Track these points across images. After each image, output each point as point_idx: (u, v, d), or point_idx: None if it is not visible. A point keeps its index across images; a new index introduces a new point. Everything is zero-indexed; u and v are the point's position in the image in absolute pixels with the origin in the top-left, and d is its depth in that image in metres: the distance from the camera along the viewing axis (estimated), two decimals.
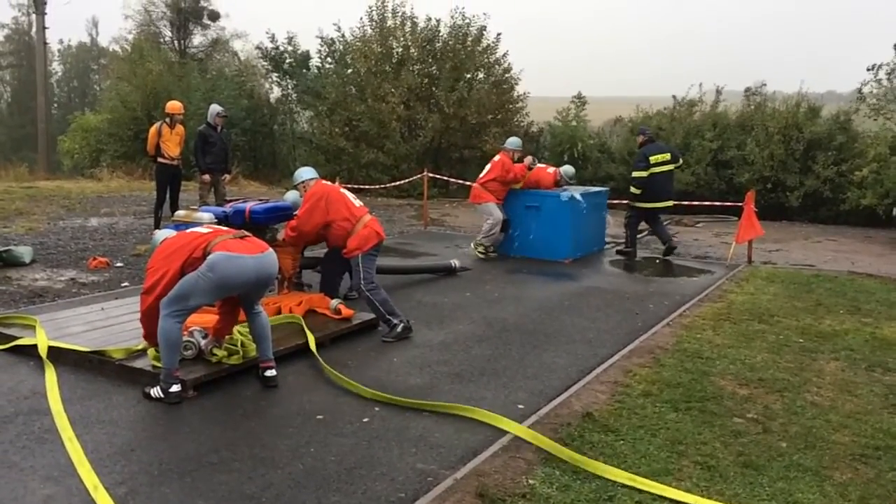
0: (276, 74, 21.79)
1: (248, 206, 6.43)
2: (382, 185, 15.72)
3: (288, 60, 20.96)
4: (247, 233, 5.13)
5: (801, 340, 6.33)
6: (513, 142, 10.26)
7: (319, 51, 20.87)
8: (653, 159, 10.20)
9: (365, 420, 4.50)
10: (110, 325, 5.93)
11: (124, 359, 5.12)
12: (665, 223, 13.51)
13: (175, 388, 4.64)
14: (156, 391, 4.66)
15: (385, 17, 18.78)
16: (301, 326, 5.86)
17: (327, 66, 20.99)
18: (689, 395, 5.00)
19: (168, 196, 10.75)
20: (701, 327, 6.69)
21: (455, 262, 8.98)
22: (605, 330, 6.60)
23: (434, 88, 18.17)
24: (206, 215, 6.08)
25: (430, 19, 18.53)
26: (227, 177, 11.27)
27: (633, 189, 10.27)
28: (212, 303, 5.00)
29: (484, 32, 18.36)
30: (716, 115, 16.65)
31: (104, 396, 4.74)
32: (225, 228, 5.21)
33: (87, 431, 4.21)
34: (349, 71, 19.37)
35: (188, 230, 5.05)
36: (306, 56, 20.93)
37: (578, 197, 9.80)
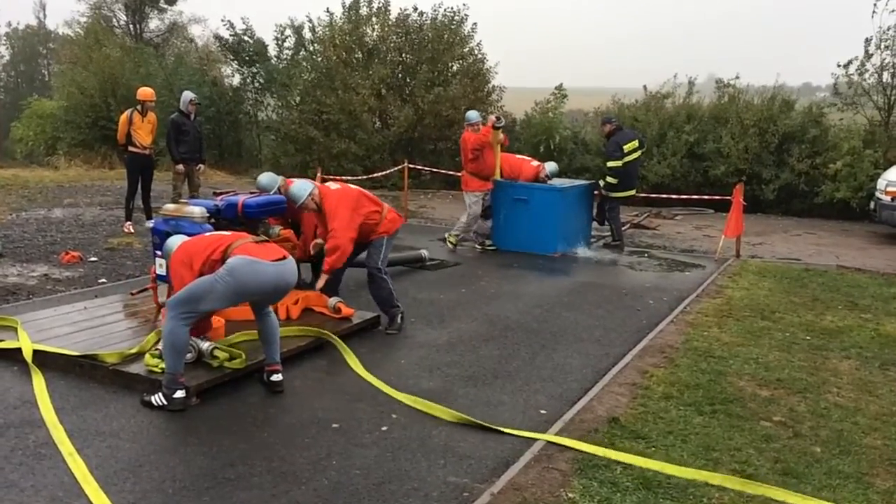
0: (235, 63, 21.19)
1: (241, 199, 6.11)
2: (366, 176, 15.36)
3: (247, 49, 20.40)
4: (266, 238, 4.86)
5: (808, 338, 6.26)
6: (470, 116, 9.96)
7: (276, 38, 20.36)
8: (626, 147, 10.10)
9: (384, 429, 4.26)
10: (96, 325, 5.57)
11: (118, 363, 4.79)
12: (644, 215, 13.56)
13: (179, 393, 4.35)
14: (157, 398, 4.36)
15: (359, 4, 18.37)
16: (318, 334, 5.58)
17: (285, 53, 20.50)
18: (710, 397, 4.87)
19: (140, 187, 10.28)
20: (706, 324, 6.58)
21: (424, 253, 8.82)
22: (611, 328, 6.44)
23: (408, 79, 17.85)
24: (197, 209, 5.80)
25: (415, 9, 18.18)
26: (202, 167, 10.86)
27: (609, 179, 10.13)
28: (224, 308, 4.71)
29: (462, 23, 18.08)
30: (690, 107, 16.65)
31: (100, 405, 4.41)
32: (243, 233, 4.91)
33: (88, 445, 3.90)
34: (319, 59, 18.91)
35: (207, 233, 4.73)
36: (262, 45, 20.41)
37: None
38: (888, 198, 11.53)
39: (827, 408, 4.76)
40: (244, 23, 20.64)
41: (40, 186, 14.79)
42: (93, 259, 8.42)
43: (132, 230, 10.08)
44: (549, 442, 4.10)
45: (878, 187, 12.17)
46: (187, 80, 19.55)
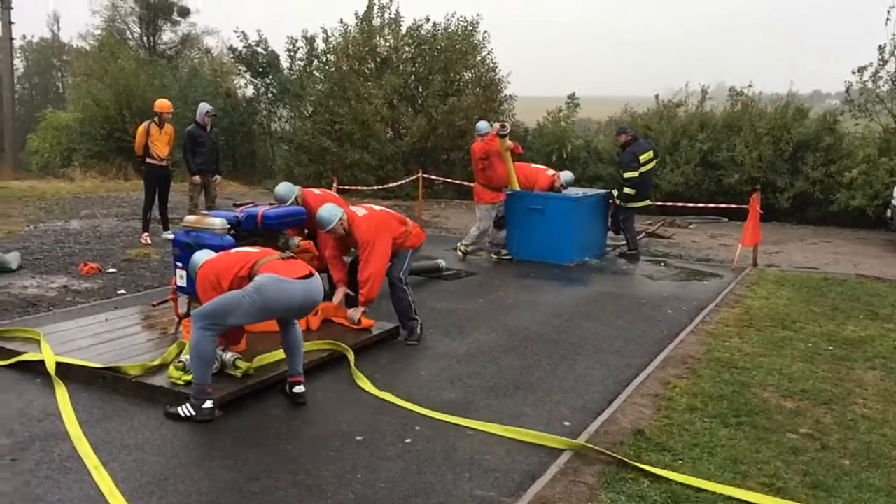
0: (248, 74, 21.30)
1: (260, 210, 6.12)
2: (380, 186, 15.39)
3: (260, 61, 20.50)
4: (292, 254, 4.88)
5: (830, 348, 6.20)
6: (480, 126, 9.89)
7: (289, 50, 20.45)
8: (642, 158, 10.10)
9: (408, 441, 4.24)
10: (118, 337, 5.58)
11: (141, 375, 4.80)
12: (658, 224, 13.51)
13: (208, 404, 4.36)
14: (185, 409, 4.36)
15: (371, 15, 18.45)
16: (334, 346, 5.57)
17: (297, 64, 20.59)
18: (735, 408, 4.83)
19: (157, 198, 10.33)
20: (726, 334, 6.54)
21: (441, 262, 8.82)
22: (631, 339, 6.41)
23: (420, 89, 17.91)
24: (217, 221, 5.81)
25: (427, 20, 18.26)
26: (218, 178, 10.89)
27: (627, 190, 10.12)
28: (250, 324, 4.72)
29: (474, 32, 18.13)
30: (703, 116, 16.61)
31: (124, 418, 4.41)
32: (270, 249, 4.92)
33: (113, 458, 3.90)
34: (331, 70, 19.00)
35: (233, 250, 4.74)
36: (275, 56, 20.51)
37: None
38: None
39: (854, 420, 4.71)
40: (259, 35, 20.78)
41: (57, 198, 14.88)
42: (111, 270, 8.46)
43: (149, 241, 10.12)
44: (576, 454, 4.06)
45: (894, 195, 12.10)
46: (202, 91, 19.65)
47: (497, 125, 9.47)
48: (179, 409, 4.37)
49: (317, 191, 7.38)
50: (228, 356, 4.79)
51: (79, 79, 26.94)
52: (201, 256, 4.86)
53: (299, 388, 4.75)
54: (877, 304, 7.81)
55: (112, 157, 20.10)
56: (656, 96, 17.25)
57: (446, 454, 4.08)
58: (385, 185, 15.41)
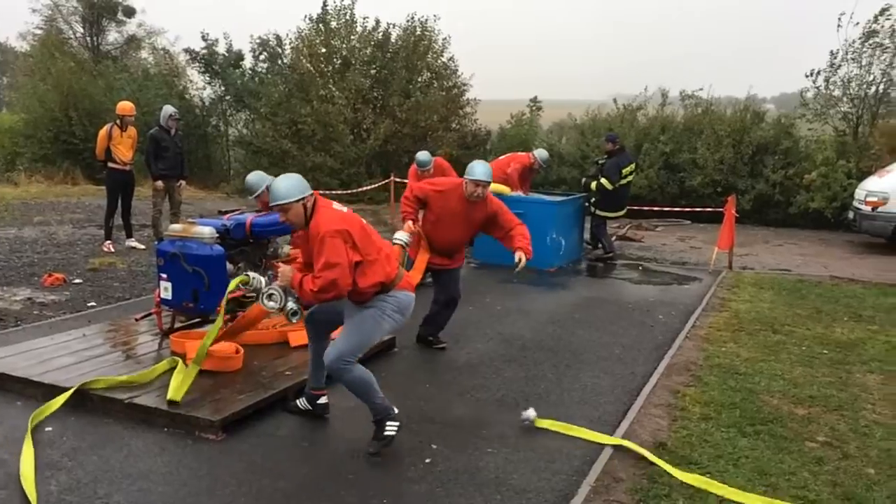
0: (206, 75, 20.71)
1: (249, 218, 5.84)
2: (345, 191, 15.10)
3: (220, 61, 19.94)
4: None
5: (825, 352, 6.23)
6: (421, 158, 9.64)
7: (253, 50, 20.01)
8: (624, 171, 10.11)
9: (427, 461, 4.05)
10: (99, 354, 5.25)
11: (135, 396, 4.50)
12: (626, 227, 13.56)
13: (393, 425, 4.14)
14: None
15: (327, 17, 18.13)
16: None
17: (261, 65, 20.14)
18: (749, 417, 4.77)
19: (120, 204, 9.89)
20: (721, 339, 6.52)
21: None
22: (628, 345, 6.33)
23: (383, 91, 17.68)
24: (206, 229, 5.54)
25: (378, 22, 18.02)
26: (183, 183, 10.48)
27: (594, 187, 10.10)
28: None
29: (433, 34, 17.97)
30: (664, 119, 16.77)
31: (119, 443, 4.12)
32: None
33: (117, 489, 3.61)
34: (292, 71, 18.61)
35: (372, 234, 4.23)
36: (239, 56, 19.99)
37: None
38: (868, 208, 11.70)
39: (868, 426, 4.70)
40: (225, 36, 20.21)
41: (3, 204, 14.17)
42: (77, 281, 8.02)
43: (112, 249, 9.68)
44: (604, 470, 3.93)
45: (856, 197, 12.37)
46: (153, 93, 19.03)
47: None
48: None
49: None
50: (293, 304, 4.28)
51: (21, 80, 25.82)
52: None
53: (324, 400, 4.58)
54: (856, 305, 7.91)
55: (59, 160, 19.30)
56: (614, 100, 17.35)
57: (471, 474, 3.91)
58: (350, 191, 15.15)
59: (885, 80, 15.00)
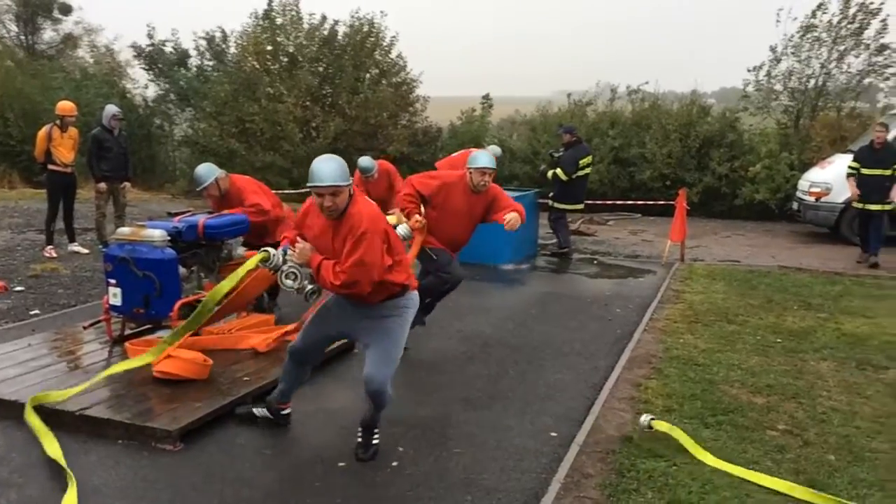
0: (150, 73, 20.14)
1: (201, 220, 5.67)
2: (295, 190, 14.85)
3: (166, 58, 19.41)
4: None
5: (779, 341, 6.34)
6: (363, 164, 8.93)
7: (198, 48, 19.55)
8: (582, 162, 10.16)
9: (395, 464, 3.98)
10: (46, 364, 5.03)
11: (86, 408, 4.31)
12: (579, 221, 13.66)
13: None
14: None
15: (273, 14, 17.83)
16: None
17: (206, 63, 19.69)
18: (710, 408, 4.82)
19: (61, 207, 9.54)
20: (678, 331, 6.59)
21: None
22: (588, 340, 6.35)
23: (331, 88, 17.47)
24: (157, 232, 5.36)
25: (325, 18, 17.77)
26: (128, 185, 10.15)
27: (549, 178, 10.16)
28: None
29: (380, 31, 17.81)
30: (613, 114, 16.95)
31: (72, 458, 3.91)
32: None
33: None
34: (234, 69, 18.24)
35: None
36: (185, 54, 19.49)
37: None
38: (812, 198, 12.01)
39: (825, 413, 4.79)
40: (172, 33, 19.66)
41: None
42: (19, 289, 7.69)
43: (55, 254, 9.33)
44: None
45: (800, 188, 12.68)
46: (94, 93, 18.44)
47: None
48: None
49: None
50: (312, 285, 4.06)
51: None
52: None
53: (288, 411, 4.44)
54: (805, 294, 8.09)
55: None
56: (569, 95, 17.47)
57: (439, 476, 3.85)
58: (305, 189, 14.90)
59: (823, 73, 15.42)
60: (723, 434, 4.44)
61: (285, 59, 17.79)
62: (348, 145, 17.27)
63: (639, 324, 6.81)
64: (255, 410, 4.46)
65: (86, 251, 9.71)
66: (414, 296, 4.06)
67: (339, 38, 17.86)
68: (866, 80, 15.50)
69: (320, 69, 17.83)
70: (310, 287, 4.00)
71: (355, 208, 3.76)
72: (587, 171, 10.41)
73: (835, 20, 14.95)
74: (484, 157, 5.56)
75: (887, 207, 9.78)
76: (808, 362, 5.79)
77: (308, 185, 3.76)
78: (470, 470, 3.91)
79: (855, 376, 5.47)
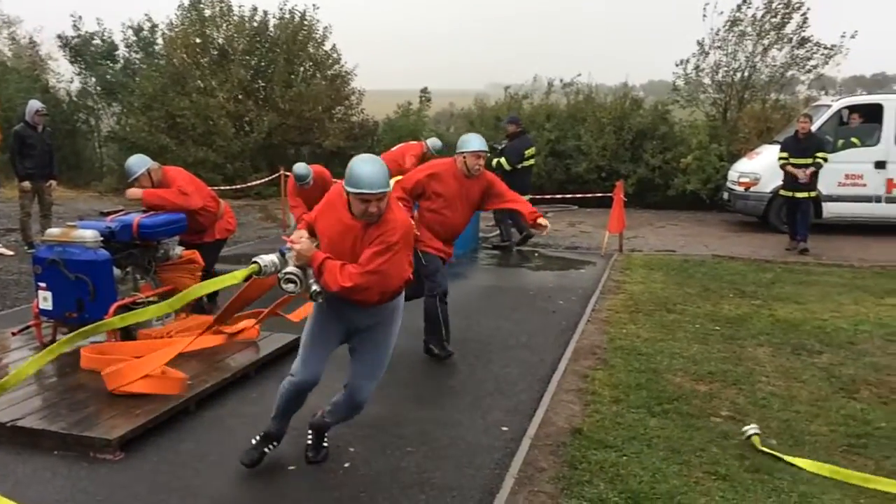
0: (76, 66, 19.34)
1: (136, 219, 5.46)
2: (230, 186, 14.51)
3: (93, 50, 18.66)
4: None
5: (717, 328, 6.50)
6: (298, 171, 8.42)
7: (125, 39, 18.88)
8: (527, 153, 10.22)
9: (346, 465, 3.92)
10: None
11: (17, 419, 4.11)
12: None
13: None
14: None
15: (201, 6, 17.35)
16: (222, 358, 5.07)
17: (134, 56, 19.04)
18: (655, 396, 4.90)
19: None
20: (620, 321, 6.69)
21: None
22: (534, 332, 6.38)
23: (264, 82, 17.14)
24: (88, 233, 5.16)
25: (255, 10, 17.40)
26: (53, 183, 9.75)
27: (493, 168, 10.18)
28: None
29: (312, 23, 17.53)
30: (549, 107, 17.11)
31: (4, 471, 3.75)
32: None
33: None
34: (163, 63, 17.71)
35: None
36: (113, 46, 18.79)
37: None
38: (741, 188, 12.36)
39: (765, 398, 4.92)
40: (98, 23, 18.88)
41: None
42: None
43: None
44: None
45: (730, 178, 13.03)
46: (14, 88, 17.64)
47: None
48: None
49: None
50: (316, 287, 3.62)
51: None
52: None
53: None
54: (739, 282, 8.32)
55: None
56: (506, 88, 17.55)
57: (392, 476, 3.80)
58: (240, 185, 14.62)
59: (749, 66, 15.90)
60: (669, 423, 4.52)
61: (215, 53, 17.38)
62: (283, 140, 17.03)
63: (582, 315, 6.88)
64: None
65: (10, 253, 9.31)
66: (402, 298, 3.91)
67: (271, 30, 17.55)
68: (789, 73, 16.08)
69: (252, 62, 17.49)
70: (315, 288, 3.58)
71: (392, 215, 3.53)
72: (531, 162, 10.46)
73: (759, 14, 15.43)
74: (476, 141, 5.48)
75: (813, 195, 10.16)
76: (745, 349, 5.95)
77: (353, 190, 3.39)
78: (423, 468, 3.87)
79: (791, 361, 5.65)
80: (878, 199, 11.42)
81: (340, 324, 3.73)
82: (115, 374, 4.37)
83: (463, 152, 5.45)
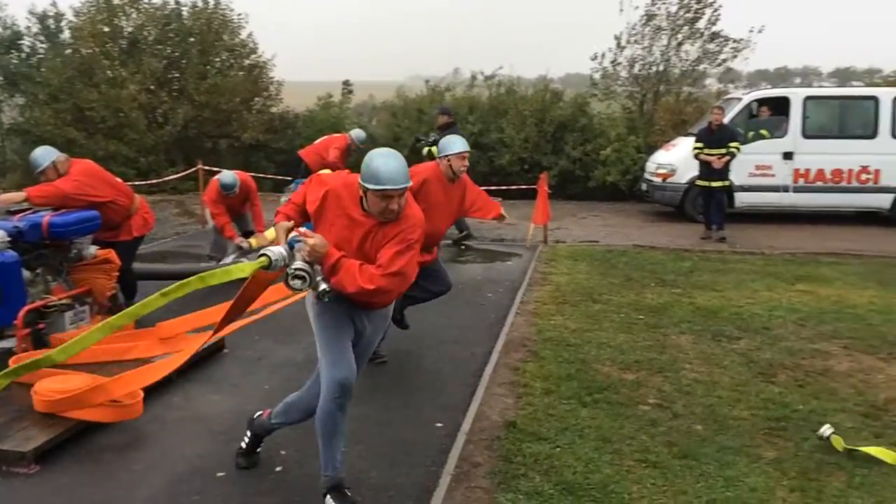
0: None
1: (46, 217, 5.18)
2: (144, 181, 13.96)
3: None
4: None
5: (641, 317, 6.65)
6: (225, 180, 7.91)
7: (29, 27, 17.93)
8: None
9: (278, 469, 3.83)
10: None
11: None
12: None
13: None
14: None
15: None
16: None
17: (40, 45, 18.11)
18: (585, 387, 4.97)
19: None
20: (548, 313, 6.76)
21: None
22: (464, 326, 6.39)
23: (177, 73, 16.57)
24: None
25: None
26: None
27: (425, 156, 10.15)
28: None
29: (227, 12, 17.05)
30: (471, 100, 17.16)
31: None
32: None
33: None
34: (70, 52, 16.90)
35: None
36: (17, 35, 17.80)
37: None
38: (659, 179, 12.69)
39: (689, 384, 5.06)
40: (2, 9, 17.80)
41: None
42: None
43: None
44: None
45: (648, 170, 13.37)
46: None
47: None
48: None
49: None
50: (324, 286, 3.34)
51: None
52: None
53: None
54: (660, 271, 8.53)
55: None
56: (427, 81, 17.50)
57: None
58: (155, 180, 14.10)
59: (664, 60, 16.34)
60: (600, 412, 4.59)
61: (125, 42, 16.69)
62: (199, 132, 16.51)
63: (511, 307, 6.93)
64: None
65: None
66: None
67: (184, 19, 16.97)
68: (701, 67, 16.60)
69: (165, 52, 16.88)
70: (323, 286, 3.31)
71: (410, 210, 3.35)
72: None
73: (673, 9, 15.87)
74: (460, 142, 5.33)
75: (726, 185, 10.53)
76: (669, 336, 6.10)
77: (374, 186, 3.18)
78: (358, 468, 3.81)
79: (712, 348, 5.83)
80: (785, 189, 11.92)
81: (349, 320, 3.52)
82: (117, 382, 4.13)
83: (447, 155, 5.28)
